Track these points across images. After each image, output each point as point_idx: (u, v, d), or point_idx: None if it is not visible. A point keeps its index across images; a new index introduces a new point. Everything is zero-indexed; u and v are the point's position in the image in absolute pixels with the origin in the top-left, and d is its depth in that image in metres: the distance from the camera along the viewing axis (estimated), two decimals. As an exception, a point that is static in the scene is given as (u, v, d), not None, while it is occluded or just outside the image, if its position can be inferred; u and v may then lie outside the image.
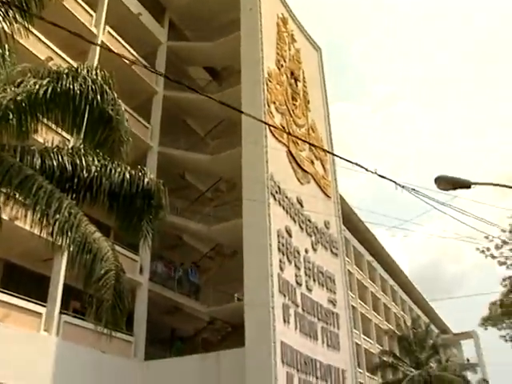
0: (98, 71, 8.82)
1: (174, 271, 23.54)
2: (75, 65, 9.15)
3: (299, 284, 21.13)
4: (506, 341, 22.98)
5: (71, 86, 8.36)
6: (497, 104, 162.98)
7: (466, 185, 10.24)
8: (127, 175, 8.96)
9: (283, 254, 20.36)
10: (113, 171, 8.85)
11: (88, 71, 8.70)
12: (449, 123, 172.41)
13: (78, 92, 8.32)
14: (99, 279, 7.81)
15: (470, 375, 52.79)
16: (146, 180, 9.11)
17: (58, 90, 8.35)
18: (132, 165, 9.30)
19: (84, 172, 8.70)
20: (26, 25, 8.12)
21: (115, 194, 8.86)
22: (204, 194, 26.05)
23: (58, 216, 7.75)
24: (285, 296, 19.65)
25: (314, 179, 25.38)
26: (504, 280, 22.47)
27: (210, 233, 23.09)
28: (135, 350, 19.71)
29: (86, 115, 8.36)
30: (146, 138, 23.10)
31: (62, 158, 8.67)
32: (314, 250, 23.47)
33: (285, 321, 19.16)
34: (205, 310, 23.07)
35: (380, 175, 8.02)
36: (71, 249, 7.88)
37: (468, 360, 68.49)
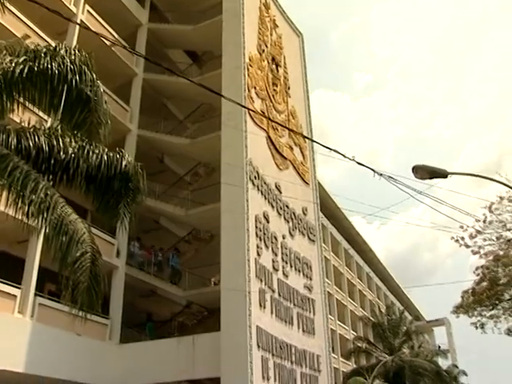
0: (77, 51, 8.69)
1: (154, 256, 23.50)
2: (53, 44, 9.00)
3: (276, 269, 21.24)
4: (477, 328, 23.35)
5: (49, 66, 8.21)
6: (476, 95, 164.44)
7: (442, 174, 10.36)
8: (105, 157, 8.85)
9: (260, 240, 20.43)
10: (90, 153, 8.74)
11: (66, 51, 8.56)
12: (428, 113, 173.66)
13: (56, 72, 8.18)
14: (75, 261, 7.76)
15: (441, 361, 53.83)
16: (124, 163, 9.02)
17: (36, 68, 8.19)
18: (110, 147, 9.20)
19: (61, 153, 8.58)
20: (2, 0, 7.96)
21: (92, 176, 8.75)
22: (182, 178, 25.95)
23: (33, 197, 7.65)
24: (261, 281, 19.75)
25: (293, 165, 25.43)
26: (476, 269, 22.81)
27: (188, 217, 23.04)
28: (111, 333, 19.66)
29: (64, 95, 8.23)
30: (125, 121, 22.88)
31: (39, 138, 8.53)
32: (292, 235, 23.58)
33: (261, 306, 19.27)
34: (181, 294, 23.06)
35: (358, 162, 8.08)
36: (47, 230, 7.80)
37: (439, 347, 69.73)
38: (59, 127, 8.94)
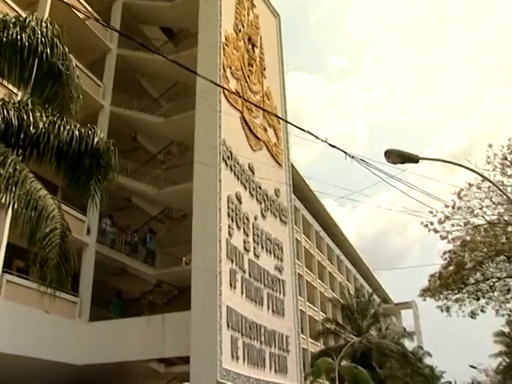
0: (49, 24, 8.49)
1: (130, 236, 23.37)
2: (23, 15, 8.78)
3: (247, 250, 21.31)
4: (442, 311, 23.82)
5: (18, 37, 8.00)
6: (450, 83, 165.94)
7: (414, 159, 10.48)
8: (76, 133, 8.71)
9: (232, 220, 20.45)
10: (61, 128, 8.59)
11: (37, 23, 8.36)
12: (402, 99, 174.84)
13: (26, 44, 7.98)
14: (44, 238, 7.68)
15: (407, 343, 54.90)
16: (96, 139, 8.89)
17: (4, 39, 7.99)
18: (82, 123, 9.06)
19: (31, 128, 8.41)
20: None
21: (63, 151, 8.62)
22: (155, 157, 25.76)
23: (1, 171, 7.52)
24: (232, 261, 19.81)
25: (267, 146, 25.42)
26: (444, 253, 23.20)
27: (160, 195, 22.93)
28: (80, 311, 19.53)
29: (35, 69, 8.05)
30: (98, 97, 22.52)
31: (8, 112, 8.34)
32: (264, 217, 23.64)
33: (231, 286, 19.35)
34: (152, 273, 23.02)
35: (330, 144, 8.11)
36: (15, 206, 7.68)
37: (405, 329, 71.07)
38: (29, 101, 8.76)
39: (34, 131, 8.42)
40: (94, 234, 20.89)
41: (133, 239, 23.40)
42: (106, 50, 23.83)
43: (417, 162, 10.48)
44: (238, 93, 23.02)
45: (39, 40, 8.09)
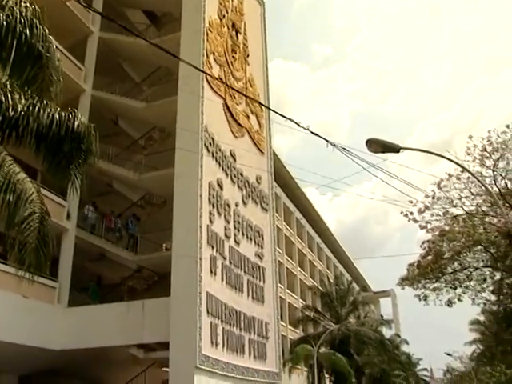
0: (28, 4, 8.33)
1: (114, 222, 23.23)
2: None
3: (228, 237, 21.32)
4: (420, 300, 24.13)
5: (-4, 17, 7.86)
6: (433, 74, 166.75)
7: (395, 149, 10.55)
8: (56, 116, 8.59)
9: (213, 207, 20.42)
10: (41, 111, 8.46)
11: (16, 3, 8.19)
12: (386, 88, 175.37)
13: (5, 23, 7.81)
14: (22, 221, 7.61)
15: (385, 330, 55.55)
16: (77, 123, 8.78)
17: (-19, 19, 7.84)
18: (63, 107, 8.94)
19: (10, 110, 8.28)
20: None
21: (43, 135, 8.50)
22: (137, 142, 25.56)
23: (-22, 154, 7.42)
24: (213, 248, 19.80)
25: (249, 133, 25.37)
26: (423, 243, 23.48)
27: (141, 181, 22.80)
28: (59, 296, 19.44)
29: (13, 50, 7.89)
30: (79, 80, 22.25)
31: (-14, 93, 8.22)
32: (245, 204, 23.64)
33: (211, 272, 19.36)
34: (132, 259, 22.93)
35: (312, 132, 8.12)
36: (-7, 189, 7.59)
37: (382, 316, 71.92)
38: (8, 83, 8.61)
39: (12, 114, 8.29)
40: (74, 219, 20.74)
41: (117, 225, 23.26)
42: (87, 32, 23.52)
43: (398, 151, 10.55)
44: (220, 79, 22.90)
45: (18, 20, 7.92)
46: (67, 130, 8.62)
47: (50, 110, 8.60)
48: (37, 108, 8.46)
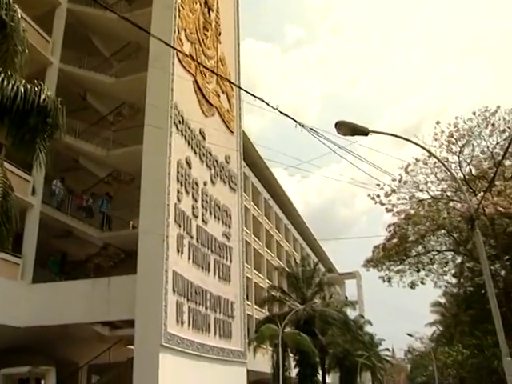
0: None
1: (85, 201, 22.92)
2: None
3: (195, 216, 21.28)
4: (384, 281, 24.58)
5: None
6: (403, 60, 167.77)
7: (364, 132, 10.63)
8: (22, 89, 8.39)
9: (181, 185, 20.32)
10: (5, 83, 8.26)
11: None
12: (356, 72, 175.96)
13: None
14: (-16, 195, 7.45)
15: (349, 311, 56.53)
16: (43, 96, 8.59)
17: None
18: (28, 79, 8.73)
19: (-28, 81, 8.07)
20: None
21: (7, 108, 8.30)
22: (105, 118, 25.15)
23: None
24: (180, 226, 19.75)
25: (219, 112, 25.23)
26: (389, 226, 23.85)
27: (109, 157, 22.52)
28: (23, 272, 19.16)
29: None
30: (46, 53, 21.73)
31: None
32: (213, 183, 23.59)
33: (178, 251, 19.34)
34: (98, 236, 22.68)
35: (281, 112, 8.11)
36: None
37: (347, 298, 73.18)
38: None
39: (-26, 85, 8.07)
40: (40, 195, 20.41)
41: (88, 204, 22.97)
42: (55, 3, 22.92)
43: (366, 134, 10.63)
44: (191, 56, 22.65)
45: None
46: (33, 103, 8.43)
47: (15, 81, 8.40)
48: (0, 79, 8.25)
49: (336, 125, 10.05)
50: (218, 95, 25.46)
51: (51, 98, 8.75)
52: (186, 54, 22.06)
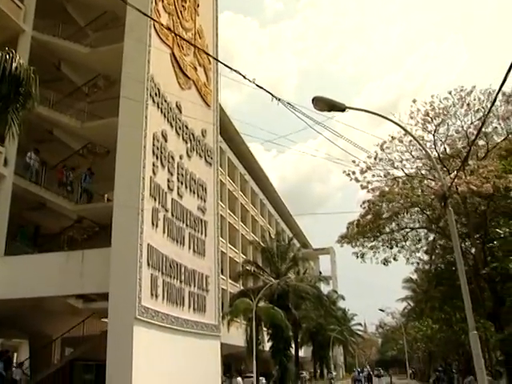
0: None
1: (66, 177, 22.61)
2: None
3: (171, 189, 21.18)
4: (357, 257, 24.86)
5: None
6: (382, 37, 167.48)
7: (341, 108, 10.65)
8: (-8, 56, 8.20)
9: (157, 158, 20.17)
10: (-26, 49, 8.05)
11: None
12: (335, 48, 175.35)
13: None
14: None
15: (323, 287, 57.33)
16: (15, 65, 8.41)
17: None
18: (-1, 47, 8.53)
19: None
20: None
21: (-23, 75, 8.11)
22: (80, 89, 24.73)
23: None
24: (155, 200, 19.66)
25: (196, 86, 24.99)
26: (363, 203, 24.04)
27: (83, 129, 22.22)
28: (-6, 245, 18.96)
29: None
30: (18, 20, 21.19)
31: None
32: (189, 156, 23.46)
33: (153, 224, 19.27)
34: (72, 208, 22.46)
35: (258, 85, 8.07)
36: None
37: (321, 273, 74.11)
38: None
39: None
40: (12, 166, 20.10)
41: (68, 179, 22.67)
42: (27, -31, 22.30)
43: (343, 110, 10.65)
44: (169, 28, 22.30)
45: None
46: (4, 71, 8.25)
47: (-15, 48, 8.18)
48: (-31, 46, 8.04)
49: (313, 100, 10.03)
50: (195, 68, 25.19)
51: (24, 66, 8.57)
52: (163, 25, 21.72)
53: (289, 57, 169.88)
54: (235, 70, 7.48)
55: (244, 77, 7.53)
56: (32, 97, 8.72)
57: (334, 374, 72.09)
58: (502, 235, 19.55)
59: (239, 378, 13.76)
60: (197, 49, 24.54)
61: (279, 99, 8.36)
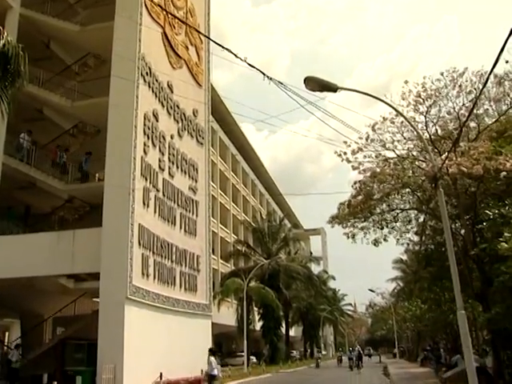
0: None
1: (59, 157, 22.44)
2: None
3: (162, 169, 21.13)
4: (348, 238, 24.90)
5: None
6: (378, 16, 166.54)
7: (333, 88, 10.59)
8: (-20, 33, 8.07)
9: (148, 138, 20.09)
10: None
11: None
12: (327, 29, 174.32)
13: None
14: None
15: (313, 267, 57.63)
16: (3, 42, 8.29)
17: None
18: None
19: None
20: None
21: (-36, 52, 7.99)
22: (70, 67, 24.43)
23: None
24: (146, 180, 19.62)
25: (187, 65, 24.81)
26: (354, 183, 24.03)
27: (74, 108, 22.01)
28: (-15, 224, 18.89)
29: None
30: (6, -5, 20.87)
31: None
32: (180, 136, 23.38)
33: (144, 204, 19.27)
34: (63, 188, 22.31)
35: (249, 64, 8.02)
36: None
37: (311, 253, 74.47)
38: None
39: None
40: (1, 145, 19.94)
41: (61, 159, 22.50)
42: None
43: (335, 91, 10.61)
44: (160, 6, 22.04)
45: None
46: (-8, 48, 8.13)
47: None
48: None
49: (305, 80, 9.97)
50: (187, 47, 24.98)
51: (12, 43, 8.45)
52: (155, 3, 21.46)
53: (281, 37, 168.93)
54: (227, 49, 7.43)
55: (236, 55, 7.48)
56: (21, 75, 8.60)
57: (324, 353, 72.89)
58: (491, 217, 19.60)
59: (212, 358, 13.93)
60: (188, 28, 24.31)
61: (271, 78, 8.31)
